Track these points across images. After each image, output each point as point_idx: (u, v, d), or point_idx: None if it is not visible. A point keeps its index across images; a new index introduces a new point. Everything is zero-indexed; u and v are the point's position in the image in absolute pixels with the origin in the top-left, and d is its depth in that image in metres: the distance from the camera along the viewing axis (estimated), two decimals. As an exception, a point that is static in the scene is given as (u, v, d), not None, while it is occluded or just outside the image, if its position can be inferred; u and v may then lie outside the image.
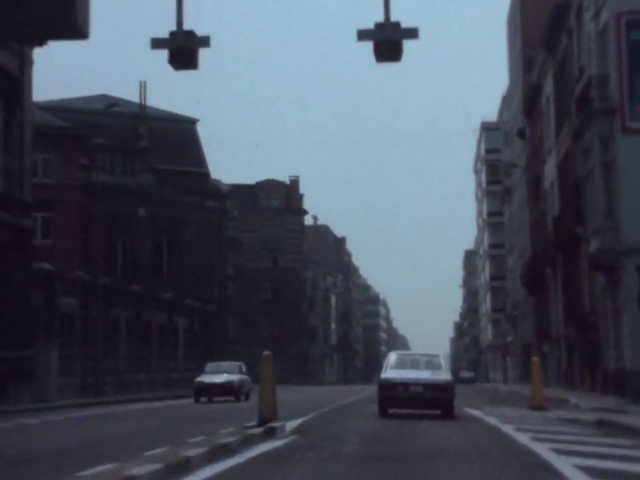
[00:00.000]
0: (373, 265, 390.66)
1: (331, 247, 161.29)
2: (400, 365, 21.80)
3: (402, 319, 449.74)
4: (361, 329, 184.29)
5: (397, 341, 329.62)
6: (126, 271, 62.06)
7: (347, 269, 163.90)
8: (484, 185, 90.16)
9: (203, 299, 64.40)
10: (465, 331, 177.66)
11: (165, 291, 56.46)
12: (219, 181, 68.35)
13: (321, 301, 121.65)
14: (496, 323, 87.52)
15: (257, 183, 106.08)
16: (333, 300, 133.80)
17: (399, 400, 20.96)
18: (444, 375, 21.21)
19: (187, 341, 60.02)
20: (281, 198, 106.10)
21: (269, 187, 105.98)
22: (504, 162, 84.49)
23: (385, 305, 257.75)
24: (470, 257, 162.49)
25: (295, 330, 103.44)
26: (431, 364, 21.71)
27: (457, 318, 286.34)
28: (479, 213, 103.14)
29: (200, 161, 67.06)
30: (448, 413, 20.76)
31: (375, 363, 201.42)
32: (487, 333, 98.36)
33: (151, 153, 64.27)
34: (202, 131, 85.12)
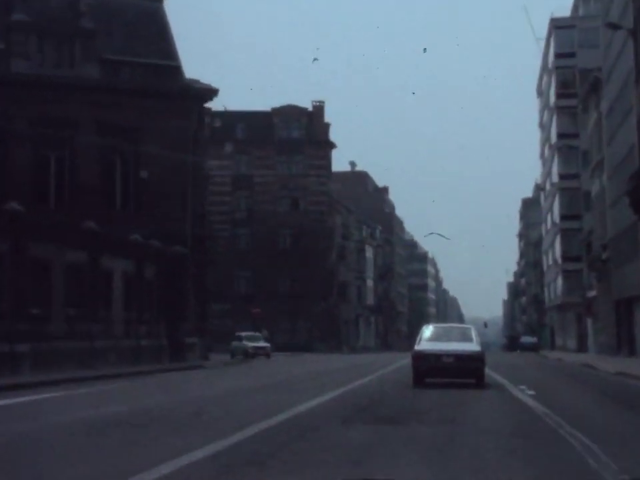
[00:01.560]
0: (420, 221, 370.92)
1: (371, 197, 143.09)
2: (433, 337, 22.97)
3: (452, 279, 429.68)
4: (406, 289, 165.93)
5: (447, 303, 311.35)
6: (61, 200, 44.93)
7: (388, 222, 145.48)
8: (552, 99, 71.15)
9: (173, 240, 46.86)
10: (521, 291, 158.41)
11: (119, 229, 39.44)
12: (197, 81, 50.32)
13: (354, 252, 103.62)
14: (568, 275, 69.13)
15: (272, 109, 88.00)
16: (370, 253, 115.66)
17: (431, 370, 22.04)
18: (474, 346, 22.09)
19: (148, 295, 42.53)
20: (302, 128, 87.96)
21: (288, 113, 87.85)
22: (580, 68, 65.62)
23: (434, 264, 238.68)
24: (528, 206, 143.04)
25: (320, 286, 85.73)
26: (463, 336, 22.94)
27: (510, 278, 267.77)
28: (545, 140, 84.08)
29: (167, 51, 49.14)
30: (479, 381, 22.03)
31: (422, 326, 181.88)
32: (555, 289, 79.73)
33: (97, 37, 46.72)
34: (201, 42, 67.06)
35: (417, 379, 22.20)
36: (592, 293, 55.11)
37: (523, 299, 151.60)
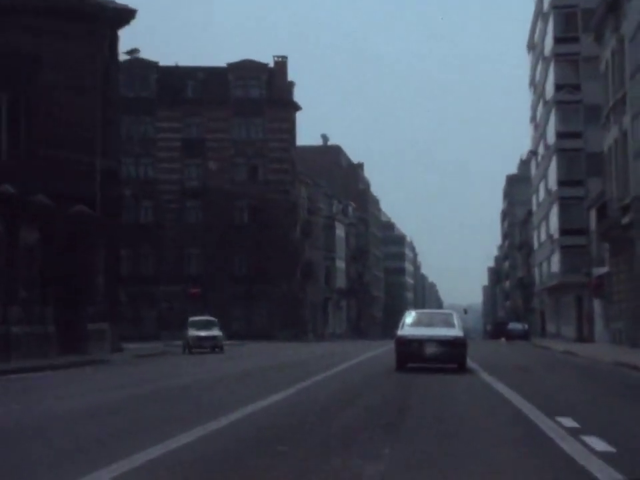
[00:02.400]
0: (397, 202, 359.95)
1: (344, 173, 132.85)
2: (416, 322, 23.03)
3: (430, 265, 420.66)
4: (382, 272, 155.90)
5: (426, 289, 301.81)
6: None
7: (363, 199, 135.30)
8: (549, 47, 60.73)
9: (76, 198, 36.58)
10: (505, 275, 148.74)
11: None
12: (112, 1, 39.72)
13: (322, 229, 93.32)
14: (567, 251, 59.02)
15: (228, 64, 77.37)
16: (341, 231, 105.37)
17: (414, 355, 22.19)
18: (457, 332, 22.23)
19: (28, 267, 32.16)
20: (262, 86, 77.41)
21: (246, 70, 77.26)
22: (583, 8, 55.61)
23: (412, 248, 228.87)
24: (513, 183, 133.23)
25: (281, 266, 75.44)
26: (445, 322, 22.92)
27: (491, 263, 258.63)
28: (537, 99, 73.58)
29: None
30: (461, 366, 22.21)
31: (398, 312, 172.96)
32: (549, 269, 69.69)
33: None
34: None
35: (400, 363, 22.59)
36: (602, 270, 45.24)
37: (507, 284, 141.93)
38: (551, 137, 62.34)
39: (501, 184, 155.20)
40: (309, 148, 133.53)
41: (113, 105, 40.42)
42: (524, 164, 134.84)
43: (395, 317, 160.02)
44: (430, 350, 21.68)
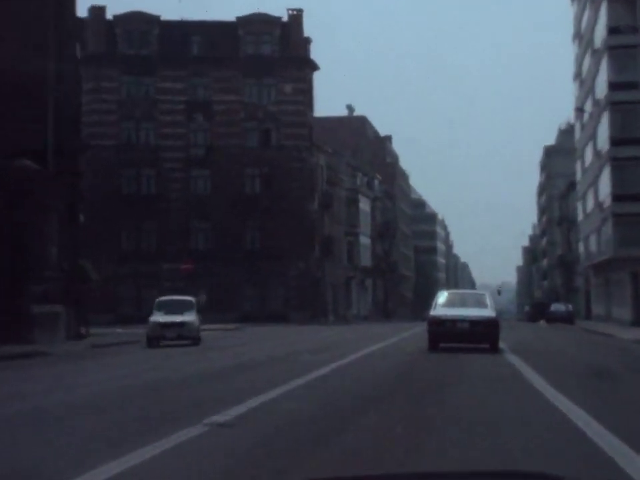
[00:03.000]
0: (428, 180, 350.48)
1: (371, 145, 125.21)
2: (448, 303, 23.01)
3: (463, 244, 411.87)
4: (412, 251, 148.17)
5: (458, 269, 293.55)
6: None
7: (391, 173, 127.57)
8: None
9: (21, 151, 29.69)
10: (542, 252, 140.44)
11: None
12: None
13: (344, 203, 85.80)
14: (621, 220, 51.04)
15: (237, 19, 69.89)
16: (366, 205, 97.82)
17: (447, 335, 22.30)
18: (489, 312, 22.29)
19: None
20: (275, 42, 69.91)
21: (257, 24, 69.74)
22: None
23: (444, 227, 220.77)
24: (550, 154, 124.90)
25: (298, 241, 68.21)
26: (478, 302, 23.08)
27: (526, 242, 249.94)
28: (584, 50, 65.08)
29: None
30: (493, 346, 22.05)
31: (430, 293, 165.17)
32: (598, 243, 61.71)
33: None
34: None
35: (433, 343, 22.38)
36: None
37: (544, 262, 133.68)
38: (601, 90, 54.32)
39: (537, 157, 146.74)
40: (332, 119, 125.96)
41: (70, 51, 33.24)
42: (563, 134, 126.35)
43: (426, 298, 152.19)
44: (462, 330, 21.82)
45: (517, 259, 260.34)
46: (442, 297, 23.81)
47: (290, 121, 69.40)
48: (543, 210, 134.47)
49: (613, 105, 51.61)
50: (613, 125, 51.52)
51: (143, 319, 55.95)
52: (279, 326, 56.18)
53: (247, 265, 67.95)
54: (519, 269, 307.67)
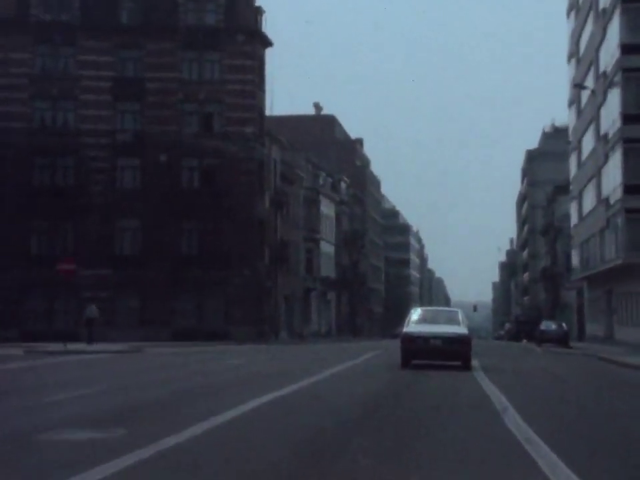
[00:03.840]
0: (402, 194, 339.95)
1: (339, 147, 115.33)
2: (421, 320, 22.98)
3: (437, 259, 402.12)
4: (383, 263, 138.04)
5: (433, 284, 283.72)
6: None
7: (360, 178, 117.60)
8: None
9: None
10: (523, 266, 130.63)
11: None
12: None
13: (302, 204, 75.44)
14: (634, 217, 40.90)
15: (176, -18, 59.45)
16: (330, 210, 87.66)
17: (419, 352, 22.20)
18: (461, 329, 22.20)
19: None
20: (221, 12, 59.54)
21: (198, -10, 59.34)
22: None
23: (418, 239, 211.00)
24: (533, 159, 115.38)
25: (243, 245, 57.87)
26: (450, 319, 22.94)
27: (503, 258, 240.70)
28: (584, 18, 54.70)
29: None
30: (465, 364, 22.15)
31: (402, 308, 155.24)
32: (599, 248, 51.30)
33: None
34: None
35: (405, 360, 22.31)
36: None
37: (524, 277, 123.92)
38: (608, 59, 44.30)
39: (517, 168, 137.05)
40: (296, 117, 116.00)
41: None
42: (547, 138, 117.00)
43: (397, 313, 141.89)
44: (435, 347, 21.66)
45: (493, 276, 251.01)
46: (415, 314, 23.83)
47: (236, 104, 59.03)
48: (523, 220, 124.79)
49: (626, 72, 41.52)
50: (625, 97, 41.35)
51: (58, 336, 45.60)
52: (207, 345, 45.69)
53: (182, 272, 57.46)
54: (495, 285, 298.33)
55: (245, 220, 58.52)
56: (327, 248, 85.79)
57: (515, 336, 69.26)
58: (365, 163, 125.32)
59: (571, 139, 60.93)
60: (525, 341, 66.50)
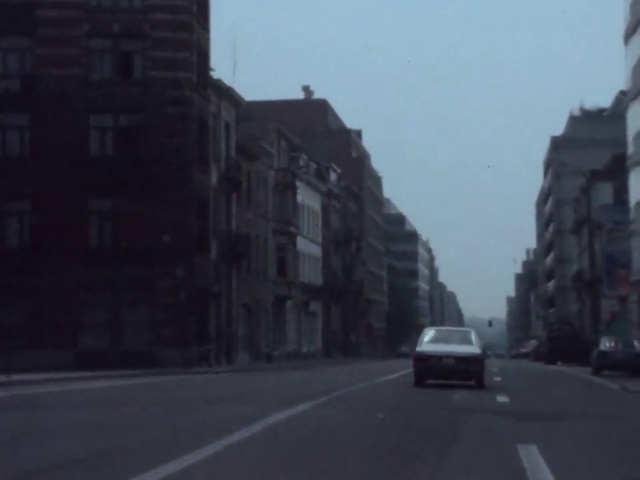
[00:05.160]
0: (407, 196, 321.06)
1: (332, 136, 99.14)
2: (435, 339, 23.13)
3: (448, 273, 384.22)
4: (385, 272, 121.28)
5: (444, 298, 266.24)
6: None
7: (357, 171, 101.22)
8: None
9: None
10: (546, 274, 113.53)
11: None
12: None
13: (270, 187, 58.79)
14: None
15: None
16: (314, 201, 71.29)
17: (432, 371, 22.22)
18: (474, 349, 22.25)
19: None
20: None
21: None
22: None
23: (428, 249, 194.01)
24: (559, 147, 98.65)
25: (176, 232, 41.55)
26: (463, 339, 23.12)
27: (518, 269, 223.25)
28: None
29: None
30: (479, 383, 22.08)
31: (409, 324, 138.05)
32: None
33: None
34: None
35: (418, 379, 22.38)
36: None
37: (549, 285, 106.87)
38: None
39: (534, 169, 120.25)
40: (283, 102, 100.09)
41: None
42: (575, 123, 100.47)
43: (403, 330, 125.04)
44: (448, 366, 21.79)
45: (507, 290, 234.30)
46: (428, 333, 23.99)
47: (163, 39, 42.73)
48: (547, 220, 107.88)
49: None
50: None
51: None
52: (119, 377, 29.44)
53: (89, 272, 41.09)
54: (509, 300, 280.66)
55: (178, 199, 42.13)
56: (310, 248, 69.25)
57: (547, 357, 52.57)
58: (363, 154, 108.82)
59: (627, 94, 44.41)
60: (558, 363, 50.10)
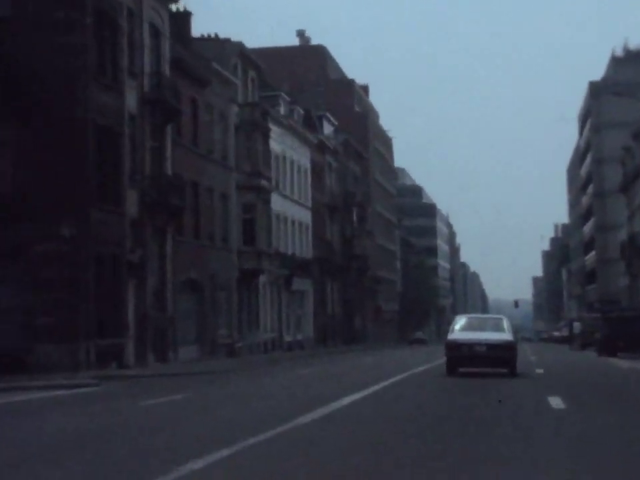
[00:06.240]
0: (425, 167, 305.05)
1: (332, 87, 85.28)
2: (466, 327, 23.00)
3: (470, 253, 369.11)
4: (398, 247, 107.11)
5: (467, 279, 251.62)
6: None
7: (362, 128, 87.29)
8: None
9: None
10: (584, 245, 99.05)
11: None
12: None
13: (226, 125, 44.73)
14: None
15: None
16: (300, 154, 57.36)
17: (464, 359, 22.01)
18: (506, 336, 22.06)
19: None
20: None
21: None
22: None
23: (448, 224, 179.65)
24: (599, 93, 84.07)
25: (60, 179, 27.74)
26: (495, 326, 22.89)
27: (546, 246, 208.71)
28: None
29: None
30: (512, 370, 21.73)
31: (426, 306, 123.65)
32: None
33: None
34: None
35: (450, 368, 22.05)
36: None
37: (589, 258, 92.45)
38: None
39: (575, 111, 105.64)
40: (277, 50, 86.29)
41: None
42: (617, 65, 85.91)
43: (419, 313, 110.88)
44: (480, 354, 21.52)
45: (533, 270, 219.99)
46: (459, 321, 23.80)
47: None
48: (584, 183, 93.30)
49: None
50: None
51: None
52: None
53: None
54: (536, 280, 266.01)
55: (65, 127, 28.44)
56: (294, 211, 55.38)
57: (605, 346, 38.48)
58: (369, 110, 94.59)
59: None
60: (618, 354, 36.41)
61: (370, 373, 25.60)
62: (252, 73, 48.21)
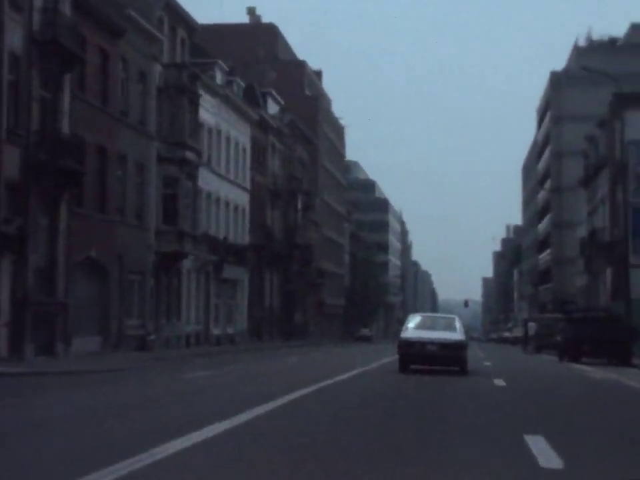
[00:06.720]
0: (377, 162, 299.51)
1: (282, 68, 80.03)
2: (419, 325, 23.45)
3: (421, 253, 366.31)
4: (347, 240, 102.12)
5: (418, 278, 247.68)
6: None
7: (310, 111, 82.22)
8: None
9: None
10: (537, 244, 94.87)
11: None
12: None
13: (146, 86, 39.28)
14: None
15: None
16: (236, 129, 52.04)
17: (416, 357, 22.42)
18: (457, 336, 22.54)
19: None
20: None
21: None
22: None
23: (400, 221, 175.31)
24: (560, 84, 79.80)
25: None
26: (447, 325, 23.32)
27: (497, 247, 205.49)
28: None
29: None
30: (462, 369, 22.23)
31: (373, 302, 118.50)
32: None
33: None
34: None
35: (402, 365, 22.38)
36: None
37: (543, 257, 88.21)
38: None
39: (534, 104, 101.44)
40: (225, 26, 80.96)
41: None
42: (580, 55, 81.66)
43: (366, 309, 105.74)
44: (432, 352, 22.02)
45: (484, 271, 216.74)
46: (413, 320, 24.17)
47: None
48: (541, 178, 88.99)
49: None
50: None
51: None
52: None
53: None
54: (486, 281, 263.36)
55: None
56: (228, 190, 50.01)
57: (569, 350, 33.68)
58: (320, 95, 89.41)
59: None
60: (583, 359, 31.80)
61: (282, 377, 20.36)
62: (182, 32, 42.75)
